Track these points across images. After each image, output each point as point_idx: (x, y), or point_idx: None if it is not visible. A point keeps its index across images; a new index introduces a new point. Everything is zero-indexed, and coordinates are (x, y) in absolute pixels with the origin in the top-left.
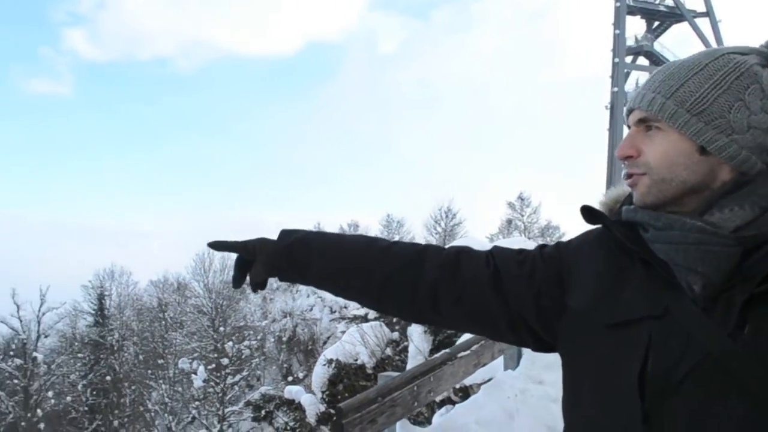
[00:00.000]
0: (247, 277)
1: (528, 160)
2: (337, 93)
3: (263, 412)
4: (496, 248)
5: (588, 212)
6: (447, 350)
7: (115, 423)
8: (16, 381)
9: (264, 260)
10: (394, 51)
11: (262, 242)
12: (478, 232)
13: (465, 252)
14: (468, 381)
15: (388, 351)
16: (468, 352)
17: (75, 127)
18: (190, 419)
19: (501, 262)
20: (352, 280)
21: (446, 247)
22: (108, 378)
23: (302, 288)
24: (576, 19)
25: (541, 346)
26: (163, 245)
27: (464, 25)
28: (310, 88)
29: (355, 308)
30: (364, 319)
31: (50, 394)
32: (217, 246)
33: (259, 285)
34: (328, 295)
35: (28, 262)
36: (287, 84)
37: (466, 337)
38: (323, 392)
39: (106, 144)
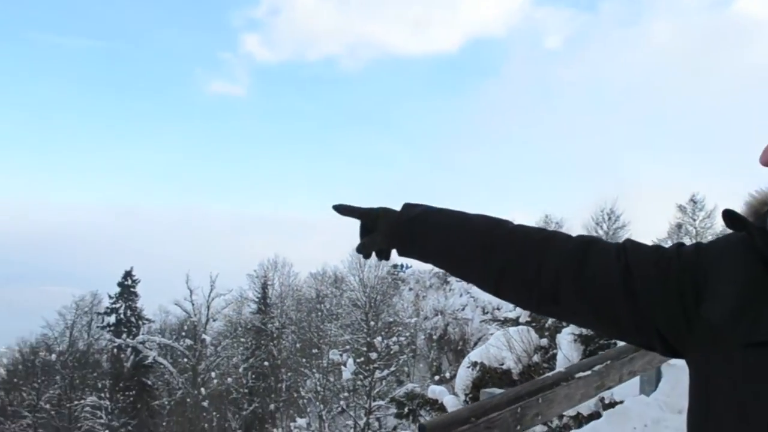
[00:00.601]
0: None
1: (703, 159)
2: (499, 90)
3: (406, 409)
4: (629, 242)
5: (730, 217)
6: (562, 369)
7: (271, 406)
8: (185, 360)
9: (385, 229)
10: (559, 46)
11: (386, 211)
12: (644, 237)
13: (594, 243)
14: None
15: (536, 358)
16: (589, 372)
17: (248, 125)
18: (339, 409)
19: (633, 259)
20: (473, 260)
21: (575, 236)
22: (266, 363)
23: (455, 286)
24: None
25: (669, 351)
26: (325, 238)
27: (635, 15)
28: (471, 85)
29: (507, 310)
30: (516, 322)
31: (213, 374)
32: (341, 209)
33: (380, 255)
34: (481, 295)
35: (202, 250)
36: (448, 81)
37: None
38: (466, 395)
39: (276, 140)
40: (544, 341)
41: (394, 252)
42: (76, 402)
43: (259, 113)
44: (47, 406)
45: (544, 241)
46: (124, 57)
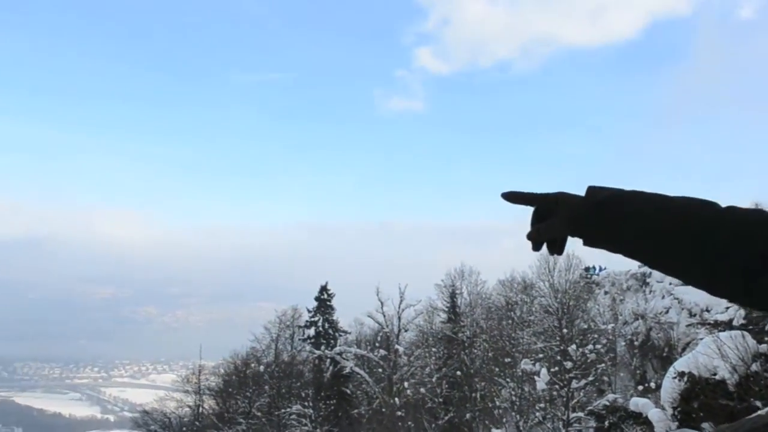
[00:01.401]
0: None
1: None
2: (688, 70)
3: (607, 423)
4: None
5: None
6: None
7: (467, 416)
8: (381, 370)
9: (567, 215)
10: (753, 16)
11: (565, 196)
12: None
13: None
14: None
15: (755, 367)
16: None
17: (428, 138)
18: (536, 420)
19: None
20: (679, 247)
21: None
22: (459, 372)
23: (656, 288)
24: None
25: None
26: (510, 244)
27: None
28: (656, 68)
29: (717, 312)
30: (728, 325)
31: (406, 384)
32: (512, 197)
33: (552, 247)
34: (686, 296)
35: (390, 262)
36: (631, 67)
37: None
38: (674, 408)
39: (456, 150)
40: (764, 347)
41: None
42: (283, 410)
43: (438, 125)
44: (258, 413)
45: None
46: (308, 85)
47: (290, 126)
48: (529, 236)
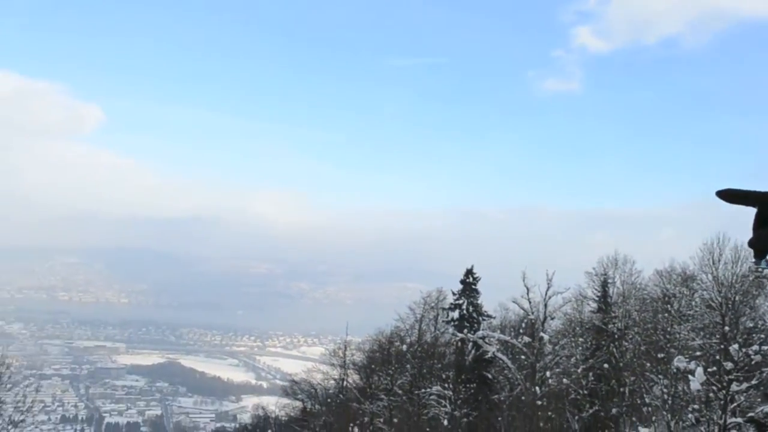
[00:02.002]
0: None
1: None
2: None
3: None
4: None
5: None
6: None
7: (614, 411)
8: (524, 357)
9: None
10: None
11: None
12: None
13: None
14: None
15: None
16: None
17: (585, 120)
18: (689, 423)
19: None
20: None
21: None
22: (606, 365)
23: None
24: None
25: None
26: (670, 233)
27: None
28: None
29: None
30: None
31: (548, 373)
32: (728, 195)
33: None
34: None
35: (538, 248)
36: None
37: None
38: None
39: (615, 133)
40: None
41: None
42: (423, 390)
43: (595, 106)
44: (399, 391)
45: None
46: (459, 69)
47: (441, 110)
48: (751, 243)
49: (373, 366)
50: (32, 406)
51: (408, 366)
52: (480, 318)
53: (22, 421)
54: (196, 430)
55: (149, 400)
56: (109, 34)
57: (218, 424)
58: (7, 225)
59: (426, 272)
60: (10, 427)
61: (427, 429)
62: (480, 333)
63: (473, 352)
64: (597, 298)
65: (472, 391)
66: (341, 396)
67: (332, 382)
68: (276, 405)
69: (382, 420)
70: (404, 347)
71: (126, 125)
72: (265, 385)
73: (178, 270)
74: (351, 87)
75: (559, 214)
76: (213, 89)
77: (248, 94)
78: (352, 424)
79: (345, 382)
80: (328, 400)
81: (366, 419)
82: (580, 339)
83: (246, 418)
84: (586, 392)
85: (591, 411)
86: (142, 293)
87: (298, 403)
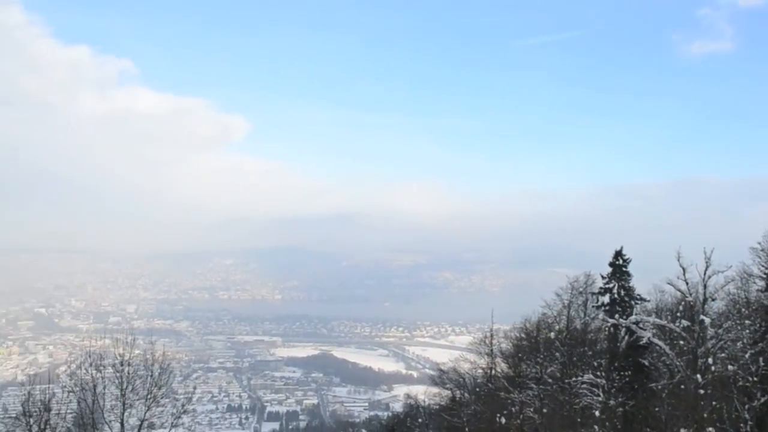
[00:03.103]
0: None
1: None
2: None
3: None
4: None
5: None
6: None
7: None
8: (682, 342)
9: None
10: None
11: None
12: None
13: None
14: None
15: None
16: None
17: (741, 82)
18: None
19: None
20: None
21: None
22: None
23: None
24: None
25: None
26: None
27: None
28: None
29: None
30: None
31: (711, 360)
32: None
33: None
34: None
35: (694, 224)
36: None
37: None
38: None
39: None
40: None
41: None
42: (574, 378)
43: (752, 65)
44: (550, 380)
45: None
46: (595, 42)
47: (579, 87)
48: None
49: (520, 354)
50: (201, 396)
51: (557, 354)
52: (632, 302)
53: (194, 410)
54: (350, 419)
55: (306, 390)
56: (241, 47)
57: (371, 413)
58: (171, 232)
59: (573, 256)
60: (182, 414)
61: (579, 419)
62: (633, 318)
63: (626, 338)
64: (765, 276)
65: (627, 379)
66: (489, 385)
67: (480, 371)
68: (425, 394)
69: (531, 409)
70: (552, 335)
71: (270, 132)
72: (415, 374)
73: (327, 266)
74: (486, 72)
75: (722, 186)
76: (346, 87)
77: (382, 88)
78: (499, 414)
79: (493, 371)
80: (477, 389)
81: (515, 408)
82: (747, 321)
83: (398, 406)
84: (756, 379)
85: (763, 399)
86: (294, 289)
87: (447, 392)
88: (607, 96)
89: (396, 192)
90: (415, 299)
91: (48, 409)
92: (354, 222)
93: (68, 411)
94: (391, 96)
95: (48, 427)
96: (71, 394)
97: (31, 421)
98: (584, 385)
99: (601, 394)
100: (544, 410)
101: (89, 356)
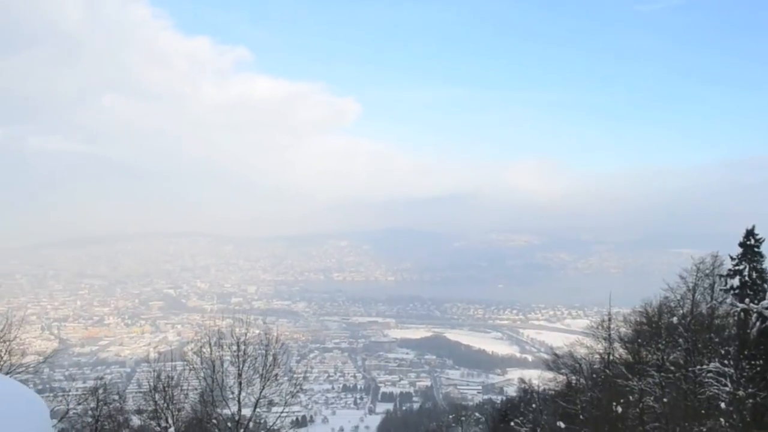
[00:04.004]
0: None
1: None
2: None
3: None
4: None
5: None
6: None
7: None
8: None
9: None
10: None
11: None
12: None
13: None
14: None
15: None
16: None
17: None
18: None
19: None
20: None
21: None
22: None
23: None
24: None
25: None
26: None
27: None
28: None
29: None
30: None
31: None
32: None
33: None
34: None
35: None
36: None
37: None
38: None
39: None
40: None
41: None
42: (698, 366)
43: None
44: (672, 367)
45: None
46: (720, 5)
47: (702, 53)
48: None
49: (640, 340)
50: (317, 376)
51: (680, 340)
52: (765, 285)
53: (311, 389)
54: (464, 401)
55: (419, 372)
56: (355, 30)
57: (485, 396)
58: (288, 216)
59: (699, 236)
60: (299, 393)
61: (703, 410)
62: (765, 302)
63: (758, 324)
64: None
65: (758, 368)
66: (607, 371)
67: (597, 356)
68: (539, 378)
69: (652, 398)
70: (674, 320)
71: (381, 113)
72: (529, 358)
73: (440, 247)
74: (598, 40)
75: None
76: (452, 64)
77: (489, 63)
78: (615, 403)
79: (611, 357)
80: (593, 375)
81: (634, 397)
82: None
83: (511, 390)
84: None
85: None
86: (407, 271)
87: (562, 378)
88: (735, 62)
89: (509, 171)
90: (529, 281)
91: (175, 386)
92: (466, 202)
93: (190, 388)
94: (500, 71)
95: (172, 402)
96: (193, 371)
97: (157, 396)
98: (710, 374)
99: (729, 384)
100: (666, 399)
101: (212, 335)
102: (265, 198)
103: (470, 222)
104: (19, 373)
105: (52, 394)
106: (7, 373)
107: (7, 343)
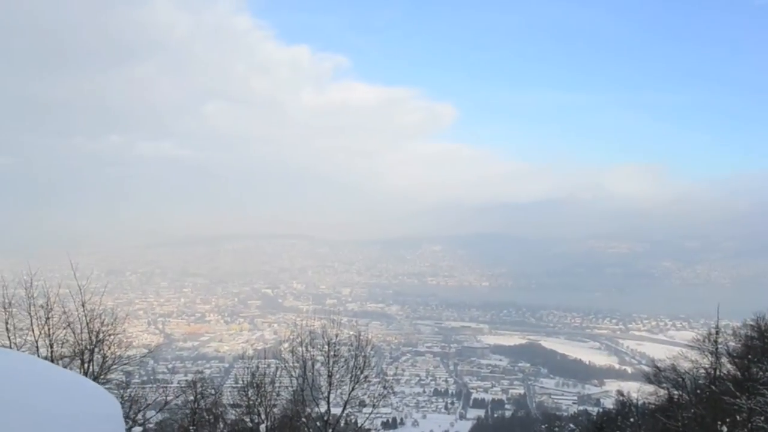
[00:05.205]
0: None
1: None
2: None
3: None
4: None
5: None
6: None
7: None
8: None
9: None
10: None
11: None
12: None
13: None
14: None
15: None
16: None
17: None
18: None
19: None
20: None
21: None
22: None
23: None
24: None
25: None
26: None
27: None
28: None
29: None
30: None
31: None
32: None
33: None
34: None
35: None
36: None
37: None
38: None
39: None
40: None
41: None
42: None
43: None
44: None
45: None
46: None
47: None
48: None
49: (750, 355)
50: (409, 379)
51: None
52: None
53: (402, 391)
54: (558, 411)
55: (512, 379)
56: (453, 35)
57: (580, 407)
58: (382, 219)
59: None
60: (390, 395)
61: None
62: None
63: None
64: None
65: None
66: (713, 387)
67: (702, 371)
68: (639, 392)
69: (762, 418)
70: None
71: (475, 117)
72: (629, 370)
73: (535, 253)
74: (713, 37)
75: None
76: (550, 67)
77: (585, 63)
78: (720, 422)
79: (717, 372)
80: (697, 390)
81: (742, 416)
82: None
83: (608, 403)
84: None
85: None
86: (501, 276)
87: (664, 392)
88: None
89: (608, 175)
90: (630, 289)
91: (269, 383)
92: (562, 207)
93: (281, 386)
94: (597, 72)
95: (265, 398)
96: (284, 370)
97: (251, 392)
98: None
99: None
100: None
101: (305, 336)
102: (360, 202)
103: (567, 227)
104: (125, 364)
105: (155, 385)
106: (112, 364)
107: (113, 336)
